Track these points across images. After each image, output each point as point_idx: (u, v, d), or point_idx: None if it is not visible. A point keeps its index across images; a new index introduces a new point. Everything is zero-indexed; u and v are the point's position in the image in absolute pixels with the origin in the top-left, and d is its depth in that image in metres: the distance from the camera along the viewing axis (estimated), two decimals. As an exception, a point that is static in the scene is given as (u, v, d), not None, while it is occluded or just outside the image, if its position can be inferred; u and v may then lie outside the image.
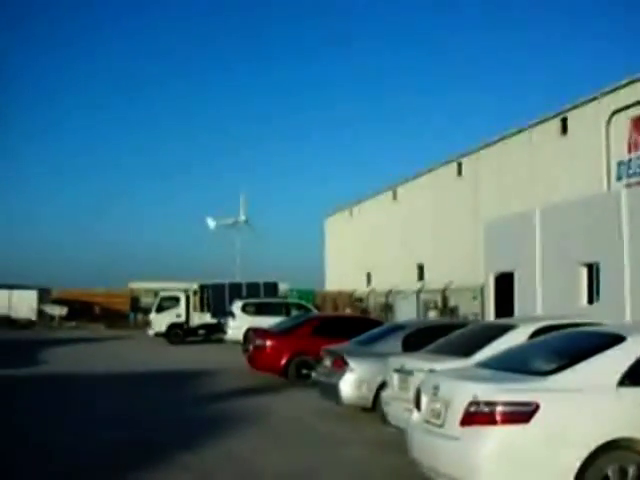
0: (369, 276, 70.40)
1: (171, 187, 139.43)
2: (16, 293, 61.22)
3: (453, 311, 45.47)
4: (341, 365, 15.99)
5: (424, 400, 9.26)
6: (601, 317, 15.04)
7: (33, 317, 61.21)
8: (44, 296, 64.39)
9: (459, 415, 8.30)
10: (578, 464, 7.84)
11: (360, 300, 60.01)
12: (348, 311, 54.02)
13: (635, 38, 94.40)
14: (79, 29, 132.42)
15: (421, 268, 59.77)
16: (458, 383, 8.83)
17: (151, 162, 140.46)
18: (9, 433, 14.62)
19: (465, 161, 54.21)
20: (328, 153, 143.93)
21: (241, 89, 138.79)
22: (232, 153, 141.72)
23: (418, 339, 15.09)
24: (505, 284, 29.96)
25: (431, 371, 10.67)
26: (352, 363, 15.82)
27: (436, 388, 8.99)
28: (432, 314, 44.69)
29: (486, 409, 8.04)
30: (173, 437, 14.13)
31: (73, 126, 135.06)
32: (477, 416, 8.11)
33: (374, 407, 15.36)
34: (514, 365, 9.23)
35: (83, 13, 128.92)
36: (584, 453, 7.88)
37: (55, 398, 19.82)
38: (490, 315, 30.84)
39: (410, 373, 12.35)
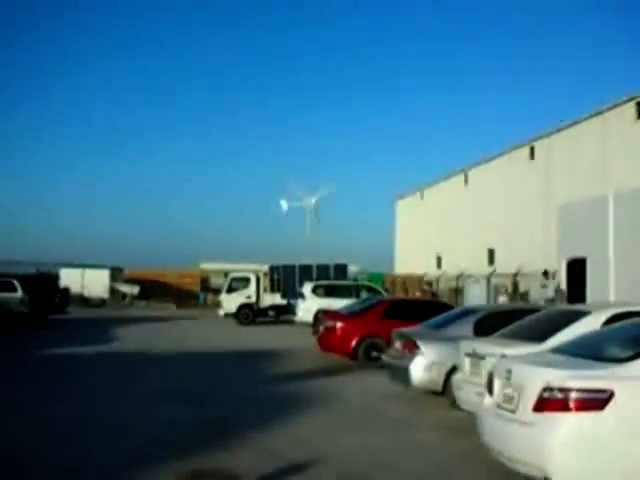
0: (439, 260, 70.08)
1: (243, 168, 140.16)
2: (89, 272, 62.26)
3: (523, 296, 44.99)
4: (412, 348, 15.96)
5: (496, 385, 9.21)
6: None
7: (105, 296, 62.19)
8: (116, 275, 65.33)
9: (532, 401, 8.24)
10: (653, 454, 7.74)
11: (430, 284, 59.69)
12: (418, 294, 53.77)
13: None
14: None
15: (491, 252, 59.33)
16: (532, 368, 8.74)
17: (224, 143, 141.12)
18: (84, 409, 14.86)
19: (537, 145, 53.59)
20: (399, 135, 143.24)
21: (321, 70, 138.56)
22: (306, 134, 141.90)
23: (489, 324, 15.02)
24: (578, 269, 29.66)
25: (503, 356, 10.59)
26: (423, 346, 15.79)
27: (509, 373, 8.93)
28: (502, 299, 44.20)
29: (560, 395, 7.97)
30: (241, 416, 14.23)
31: (144, 109, 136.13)
32: (550, 402, 8.04)
33: (444, 391, 15.33)
34: (589, 351, 9.12)
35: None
36: (660, 443, 7.77)
37: (126, 376, 20.11)
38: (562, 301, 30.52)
39: (482, 357, 12.28)
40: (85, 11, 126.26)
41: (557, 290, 32.97)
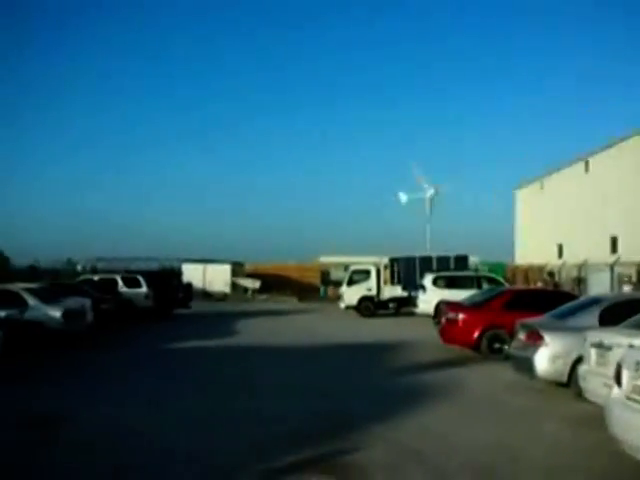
0: (560, 249, 69.04)
1: (361, 160, 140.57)
2: (210, 267, 63.40)
3: (648, 286, 44.00)
4: (536, 339, 15.84)
5: (625, 376, 9.08)
6: None
7: (227, 290, 63.15)
8: (237, 270, 66.27)
9: (663, 392, 8.13)
10: None
11: (551, 274, 58.87)
12: (539, 285, 53.08)
13: None
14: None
15: (614, 240, 58.15)
16: (662, 359, 8.62)
17: (340, 135, 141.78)
18: (220, 406, 15.19)
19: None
20: (518, 124, 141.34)
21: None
22: (424, 127, 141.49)
23: (615, 313, 14.74)
24: None
25: (631, 346, 10.43)
26: (547, 337, 15.65)
27: (638, 364, 8.80)
28: (626, 288, 43.35)
29: (692, 386, 7.84)
30: (366, 408, 14.34)
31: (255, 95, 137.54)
32: (682, 393, 7.92)
33: (569, 382, 15.18)
34: None
35: None
36: None
37: (252, 369, 20.36)
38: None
39: (609, 348, 12.10)
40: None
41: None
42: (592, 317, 15.58)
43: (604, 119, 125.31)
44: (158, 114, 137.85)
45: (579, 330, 14.26)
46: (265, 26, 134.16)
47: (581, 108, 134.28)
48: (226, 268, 64.25)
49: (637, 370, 8.77)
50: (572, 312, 16.72)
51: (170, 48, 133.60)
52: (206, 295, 60.49)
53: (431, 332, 26.81)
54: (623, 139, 57.43)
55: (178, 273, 47.76)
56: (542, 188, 75.87)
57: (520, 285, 51.06)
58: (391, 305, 44.19)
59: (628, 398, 8.87)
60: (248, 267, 69.48)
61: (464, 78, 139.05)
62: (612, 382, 9.63)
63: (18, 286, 26.26)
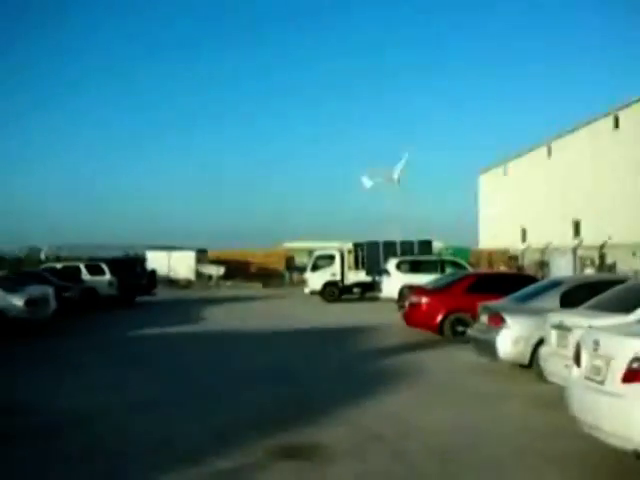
0: (524, 233, 69.48)
1: (324, 146, 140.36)
2: (175, 254, 63.15)
3: (611, 269, 44.41)
4: (498, 321, 15.96)
5: (584, 356, 9.13)
6: None
7: (191, 277, 63.07)
8: (202, 257, 66.11)
9: (621, 372, 8.16)
10: None
11: (514, 257, 59.24)
12: (502, 268, 53.43)
13: None
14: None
15: (577, 224, 58.60)
16: (620, 339, 8.64)
17: (305, 123, 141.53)
18: (176, 388, 15.17)
19: (622, 114, 52.66)
20: (478, 110, 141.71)
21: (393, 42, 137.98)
22: (388, 109, 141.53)
23: (576, 295, 14.87)
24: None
25: (591, 327, 10.51)
26: (509, 319, 15.76)
27: (597, 344, 8.84)
28: (588, 271, 43.76)
29: (650, 366, 7.90)
30: (330, 392, 14.40)
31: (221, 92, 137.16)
32: (640, 373, 7.98)
33: (531, 364, 15.30)
34: (678, 321, 9.02)
35: None
36: None
37: (216, 354, 20.46)
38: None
39: (569, 329, 12.21)
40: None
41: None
42: (553, 299, 15.71)
43: (568, 103, 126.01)
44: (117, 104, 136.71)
45: (540, 312, 14.38)
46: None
47: (545, 92, 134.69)
48: (190, 255, 64.03)
49: (595, 350, 8.82)
50: (534, 295, 16.85)
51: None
52: (171, 282, 60.26)
53: (395, 316, 26.93)
54: (584, 124, 57.86)
55: (142, 260, 47.44)
56: (505, 173, 76.32)
57: (483, 269, 51.33)
58: (355, 290, 44.32)
59: (587, 378, 8.92)
60: (212, 254, 69.25)
61: (425, 64, 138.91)
62: (572, 363, 9.69)
63: (-21, 275, 26.07)
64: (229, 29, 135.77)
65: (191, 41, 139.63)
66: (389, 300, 34.41)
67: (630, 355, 8.08)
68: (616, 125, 53.38)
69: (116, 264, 40.25)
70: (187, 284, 61.60)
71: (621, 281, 15.14)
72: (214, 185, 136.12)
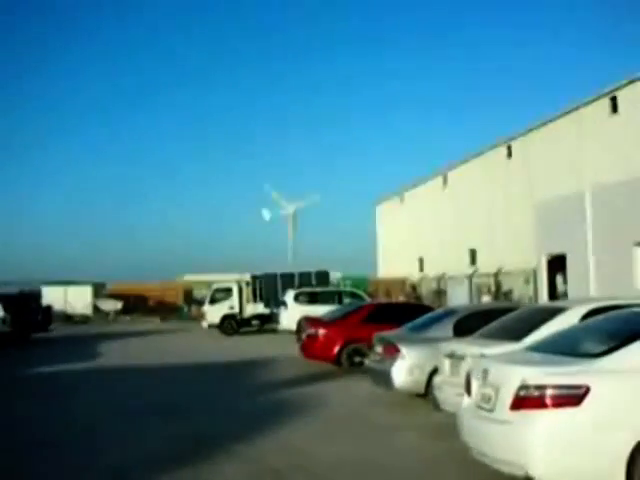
0: (421, 262, 70.20)
1: (223, 178, 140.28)
2: (71, 289, 62.19)
3: (507, 295, 45.14)
4: (393, 352, 15.99)
5: (474, 385, 9.21)
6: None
7: (89, 312, 62.16)
8: (99, 291, 65.37)
9: (509, 399, 8.24)
10: (631, 446, 7.72)
11: (413, 287, 59.84)
12: (401, 298, 53.88)
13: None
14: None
15: (473, 252, 59.45)
16: (508, 367, 8.75)
17: (202, 157, 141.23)
18: (67, 426, 14.81)
19: (515, 144, 53.75)
20: (376, 140, 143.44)
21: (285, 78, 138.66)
22: (283, 141, 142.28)
23: (469, 324, 15.05)
24: (558, 266, 29.72)
25: (482, 356, 10.60)
26: (404, 349, 15.81)
27: (486, 373, 8.93)
28: (485, 298, 44.43)
29: (536, 393, 7.97)
30: (227, 427, 14.23)
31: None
32: (527, 400, 8.05)
33: (427, 393, 15.33)
34: (564, 348, 9.14)
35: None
36: (637, 435, 7.76)
37: (111, 391, 20.07)
38: (544, 298, 30.62)
39: (461, 358, 12.29)
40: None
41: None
42: (447, 328, 15.86)
43: (463, 133, 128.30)
44: None
45: (434, 342, 14.47)
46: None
47: (438, 124, 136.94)
48: (87, 290, 63.13)
49: (485, 379, 8.89)
50: (428, 324, 16.99)
51: None
52: (68, 318, 59.33)
53: (293, 348, 26.85)
54: (479, 154, 58.88)
55: (37, 296, 46.51)
56: (402, 202, 77.08)
57: (382, 299, 51.69)
58: (254, 322, 44.31)
59: (477, 406, 8.99)
60: (109, 288, 68.41)
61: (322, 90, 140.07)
62: (464, 391, 9.75)
63: None
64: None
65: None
66: (288, 332, 34.38)
67: (517, 383, 8.16)
68: (509, 155, 54.42)
69: (9, 300, 39.26)
70: (84, 319, 60.69)
71: (512, 309, 15.38)
72: (113, 218, 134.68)
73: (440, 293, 52.35)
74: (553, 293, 29.90)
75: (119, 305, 63.29)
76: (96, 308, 63.14)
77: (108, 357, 30.10)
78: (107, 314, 62.85)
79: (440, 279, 53.24)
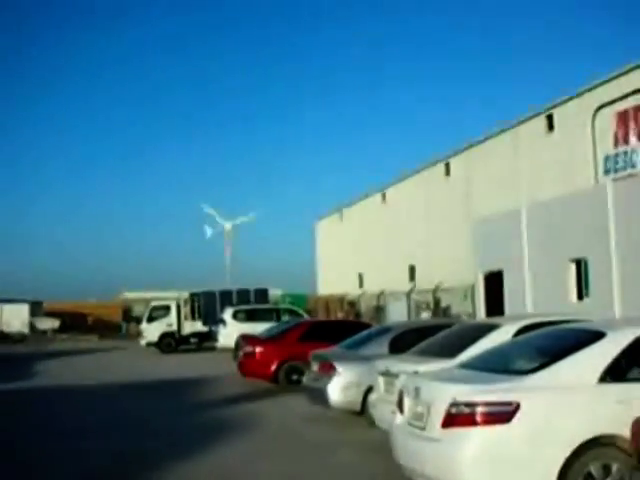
0: (361, 279, 70.24)
1: (164, 195, 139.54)
2: (7, 307, 61.11)
3: (445, 312, 45.28)
4: (329, 369, 15.97)
5: (406, 403, 9.21)
6: (591, 313, 15.01)
7: (25, 331, 61.11)
8: (36, 309, 64.43)
9: (440, 417, 8.24)
10: (561, 462, 7.80)
11: (352, 304, 59.87)
12: (340, 315, 53.88)
13: (616, 33, 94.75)
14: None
15: (412, 269, 59.57)
16: (438, 385, 8.77)
17: (142, 172, 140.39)
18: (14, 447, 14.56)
19: (453, 161, 54.06)
20: (315, 158, 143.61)
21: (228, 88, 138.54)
22: (221, 158, 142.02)
23: (405, 341, 15.08)
24: (495, 283, 29.89)
25: (415, 373, 10.61)
26: (339, 367, 15.79)
27: (418, 390, 8.93)
28: (424, 315, 44.46)
29: (466, 410, 7.99)
30: (163, 446, 14.10)
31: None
32: (458, 418, 8.06)
33: (363, 411, 15.32)
34: (495, 365, 9.19)
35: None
36: (567, 451, 7.84)
37: (45, 411, 19.82)
38: (481, 315, 30.76)
39: (395, 375, 12.28)
40: None
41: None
42: (382, 345, 15.86)
43: (400, 150, 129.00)
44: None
45: (370, 359, 14.44)
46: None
47: (378, 139, 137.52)
48: (24, 308, 62.06)
49: (416, 396, 8.90)
50: (364, 341, 17.00)
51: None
52: (4, 337, 58.37)
53: (231, 366, 26.72)
54: (417, 171, 59.16)
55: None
56: (341, 219, 77.18)
57: (321, 316, 51.69)
58: (192, 340, 44.19)
59: (409, 424, 8.99)
60: (47, 306, 67.56)
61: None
62: (397, 409, 9.75)
63: None
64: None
65: None
66: (226, 350, 34.23)
67: (448, 400, 8.17)
68: (447, 172, 54.76)
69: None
70: (21, 338, 59.58)
71: (448, 325, 15.44)
72: (50, 235, 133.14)
73: (379, 309, 52.37)
74: (492, 309, 30.05)
75: (57, 323, 62.61)
76: (33, 327, 62.13)
77: (44, 376, 29.72)
78: (44, 333, 62.02)
79: (379, 295, 53.29)
